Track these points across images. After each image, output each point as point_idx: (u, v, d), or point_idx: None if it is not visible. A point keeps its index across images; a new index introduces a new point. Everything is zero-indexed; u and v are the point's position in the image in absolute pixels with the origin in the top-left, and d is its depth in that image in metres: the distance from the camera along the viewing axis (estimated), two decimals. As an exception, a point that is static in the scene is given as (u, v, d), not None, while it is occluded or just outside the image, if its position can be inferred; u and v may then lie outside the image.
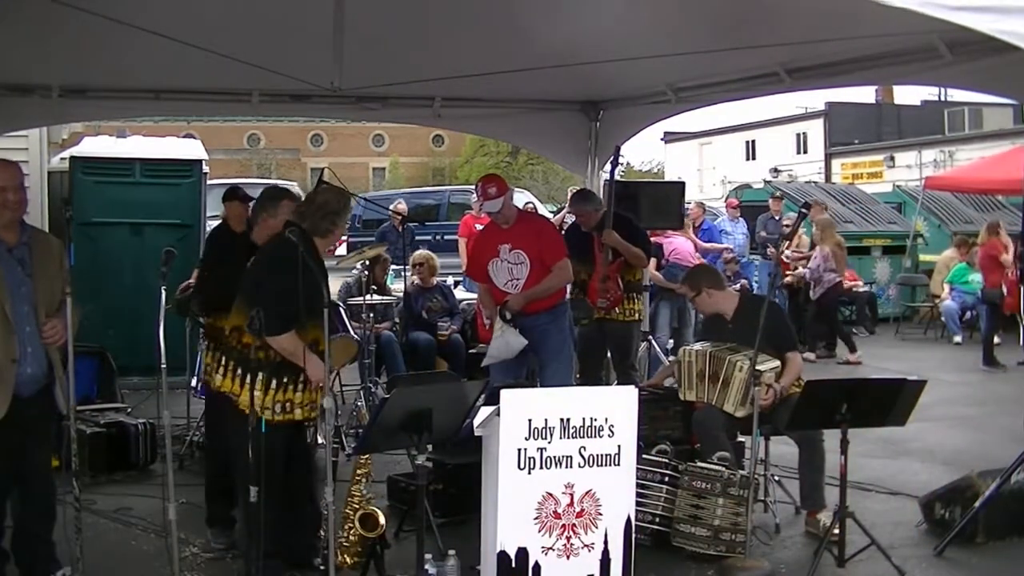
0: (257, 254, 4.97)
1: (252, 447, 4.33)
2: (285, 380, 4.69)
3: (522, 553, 4.22)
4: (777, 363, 5.76)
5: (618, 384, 7.45)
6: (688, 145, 48.20)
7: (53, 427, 4.91)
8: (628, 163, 50.34)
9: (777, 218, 15.11)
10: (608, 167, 7.97)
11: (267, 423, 4.58)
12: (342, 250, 19.40)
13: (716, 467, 5.46)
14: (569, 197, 10.01)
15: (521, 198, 18.00)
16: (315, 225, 4.84)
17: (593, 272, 7.48)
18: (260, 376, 4.58)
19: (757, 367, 5.42)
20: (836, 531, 5.14)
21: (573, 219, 8.31)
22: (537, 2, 6.16)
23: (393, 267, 10.37)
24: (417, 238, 14.61)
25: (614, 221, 7.43)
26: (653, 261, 10.12)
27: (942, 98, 39.61)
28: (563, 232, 8.07)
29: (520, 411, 4.22)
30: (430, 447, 4.30)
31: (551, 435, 4.26)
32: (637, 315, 7.77)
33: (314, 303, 4.47)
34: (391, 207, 13.40)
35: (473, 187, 8.66)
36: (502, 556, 4.19)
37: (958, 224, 17.42)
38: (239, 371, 4.72)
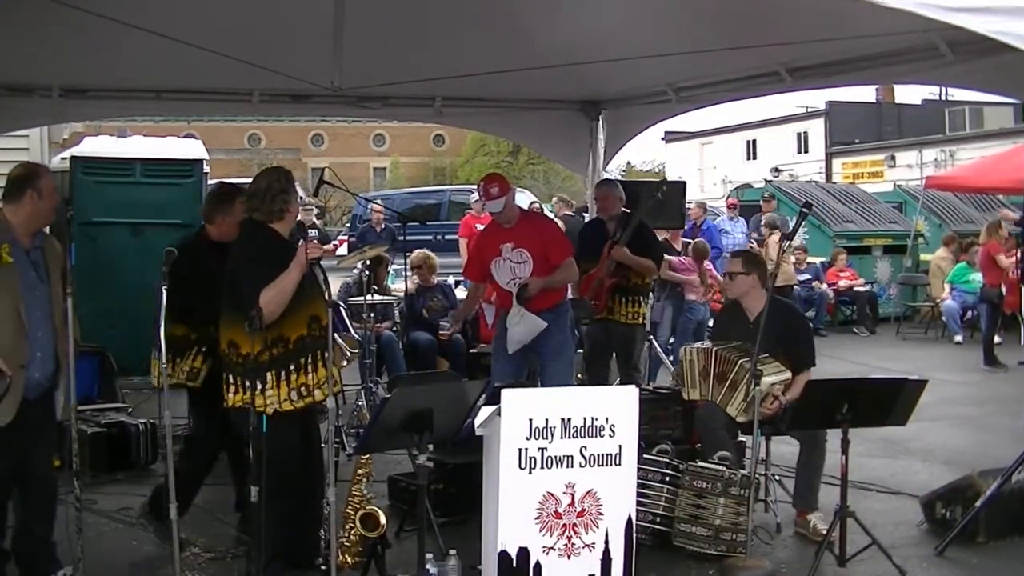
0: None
1: (253, 447, 4.33)
2: (292, 367, 4.66)
3: (523, 553, 4.22)
4: (787, 375, 5.72)
5: (620, 384, 7.44)
6: (689, 145, 48.20)
7: (55, 428, 4.91)
8: (628, 162, 50.43)
9: None
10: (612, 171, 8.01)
11: (286, 413, 4.60)
12: (343, 250, 19.48)
13: (717, 467, 5.46)
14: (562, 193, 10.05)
15: (524, 198, 18.02)
16: (267, 211, 4.80)
17: (594, 271, 7.47)
18: (269, 376, 4.59)
19: (767, 378, 5.40)
20: (827, 532, 5.15)
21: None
22: (537, 2, 6.16)
23: (392, 267, 10.38)
24: (418, 238, 14.67)
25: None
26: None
27: (943, 97, 39.61)
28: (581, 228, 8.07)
29: (521, 411, 4.22)
30: (431, 447, 4.29)
31: (552, 435, 4.26)
32: (641, 318, 7.79)
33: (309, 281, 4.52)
34: (370, 207, 13.48)
35: (474, 187, 8.69)
36: (503, 556, 4.19)
37: (959, 224, 17.41)
38: (247, 383, 4.65)
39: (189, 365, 5.40)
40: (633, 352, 7.81)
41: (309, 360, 4.72)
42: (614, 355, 7.86)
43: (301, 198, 10.19)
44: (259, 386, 4.58)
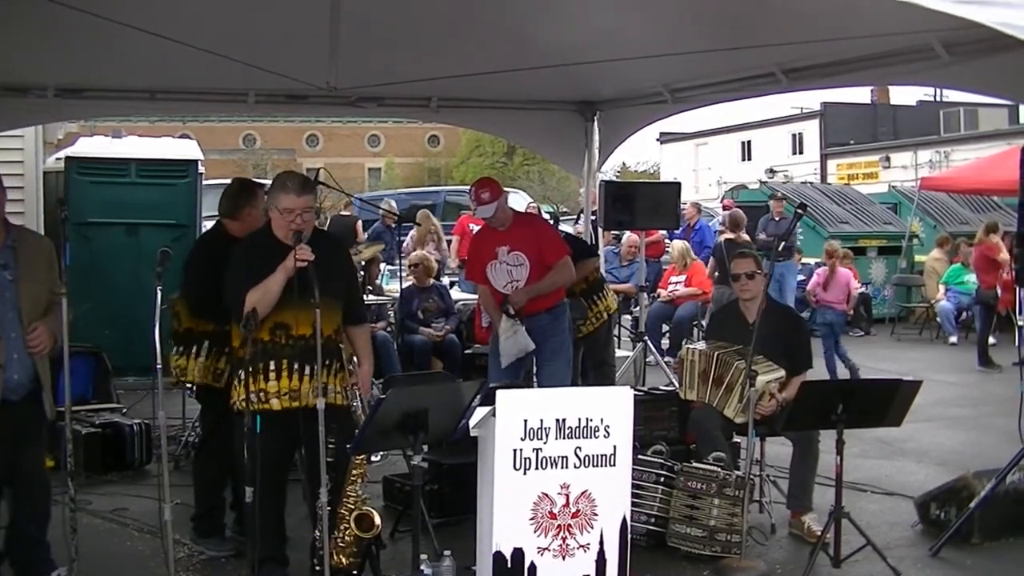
0: None
1: (248, 447, 4.32)
2: (251, 369, 4.55)
3: (518, 554, 4.22)
4: (781, 372, 5.71)
5: (593, 383, 7.44)
6: (684, 146, 48.26)
7: (47, 428, 4.89)
8: (624, 163, 50.47)
9: (778, 220, 14.91)
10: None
11: (275, 416, 4.56)
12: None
13: (712, 467, 5.46)
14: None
15: (520, 199, 18.01)
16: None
17: None
18: (241, 373, 4.56)
19: (761, 376, 5.40)
20: (822, 533, 5.15)
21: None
22: (534, 2, 6.15)
23: (388, 267, 10.37)
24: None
25: None
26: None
27: (938, 98, 39.71)
28: None
29: (516, 411, 4.22)
30: (426, 447, 4.29)
31: (547, 435, 4.26)
32: (605, 313, 7.89)
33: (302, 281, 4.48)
34: (382, 206, 13.42)
35: (468, 188, 8.68)
36: (498, 557, 4.19)
37: (954, 225, 17.45)
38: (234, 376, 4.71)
39: (214, 365, 5.36)
40: (596, 347, 7.89)
41: (271, 367, 4.61)
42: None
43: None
44: (237, 380, 4.60)
